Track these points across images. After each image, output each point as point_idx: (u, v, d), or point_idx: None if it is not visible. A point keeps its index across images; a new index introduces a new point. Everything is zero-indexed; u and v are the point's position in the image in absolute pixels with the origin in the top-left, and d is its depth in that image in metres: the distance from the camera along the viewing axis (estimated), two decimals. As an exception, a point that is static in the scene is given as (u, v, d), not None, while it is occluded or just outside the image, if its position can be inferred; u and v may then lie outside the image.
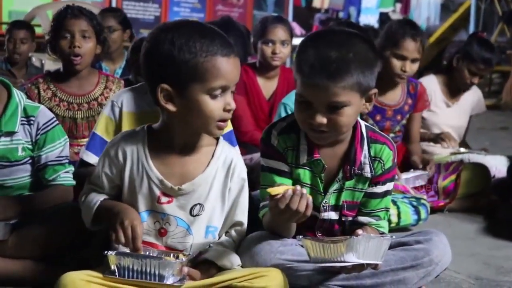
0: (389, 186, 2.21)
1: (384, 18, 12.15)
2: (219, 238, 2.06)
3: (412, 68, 3.39)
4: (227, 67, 1.90)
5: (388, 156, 2.17)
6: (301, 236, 1.93)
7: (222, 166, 2.03)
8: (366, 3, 12.75)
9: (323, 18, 11.97)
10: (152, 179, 1.98)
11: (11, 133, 2.31)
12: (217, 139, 2.06)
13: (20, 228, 2.19)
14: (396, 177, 3.18)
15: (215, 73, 1.89)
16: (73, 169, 2.45)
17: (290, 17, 10.59)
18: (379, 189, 2.19)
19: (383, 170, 2.17)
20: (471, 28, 9.83)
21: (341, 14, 12.64)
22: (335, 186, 2.16)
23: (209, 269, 1.97)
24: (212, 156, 2.03)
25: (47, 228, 2.18)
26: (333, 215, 2.20)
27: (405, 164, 3.58)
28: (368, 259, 1.87)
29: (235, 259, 2.02)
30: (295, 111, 2.11)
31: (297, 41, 2.99)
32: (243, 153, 2.63)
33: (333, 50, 2.00)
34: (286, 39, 3.67)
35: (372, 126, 2.24)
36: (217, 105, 1.91)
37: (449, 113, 3.94)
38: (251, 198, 2.12)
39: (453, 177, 3.52)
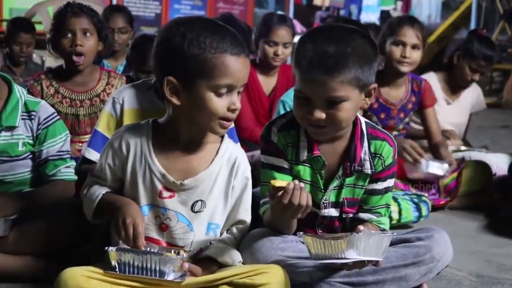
0: (389, 182, 2.20)
1: (385, 16, 12.16)
2: (221, 235, 2.06)
3: (412, 55, 3.36)
4: (235, 66, 1.90)
5: (389, 152, 2.17)
6: (301, 233, 1.93)
7: (226, 164, 2.03)
8: (367, 1, 12.77)
9: (324, 16, 11.98)
10: (155, 173, 1.98)
11: (11, 128, 2.31)
12: (222, 136, 2.06)
13: (21, 224, 2.19)
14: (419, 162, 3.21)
15: (223, 71, 1.88)
16: (74, 164, 2.44)
17: (291, 15, 10.59)
18: (380, 185, 2.18)
19: (384, 166, 2.16)
20: (472, 26, 9.80)
21: (342, 12, 12.65)
22: (335, 183, 2.16)
23: (210, 265, 1.97)
24: (217, 153, 2.02)
25: (47, 224, 2.18)
26: (333, 212, 2.19)
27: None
28: (369, 256, 1.87)
29: (236, 256, 2.01)
30: (294, 107, 2.11)
31: (297, 39, 2.99)
32: (244, 150, 2.63)
33: (331, 45, 1.99)
34: (288, 41, 3.68)
35: (372, 123, 2.24)
36: (222, 103, 1.91)
37: (449, 111, 3.94)
38: (252, 195, 2.11)
39: (454, 175, 3.51)
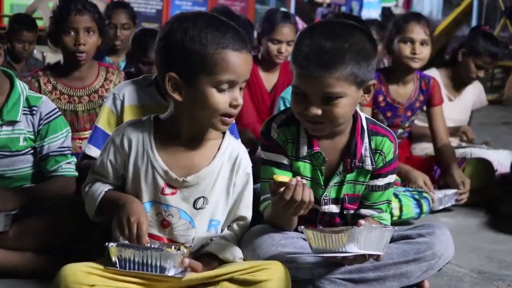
0: (390, 178, 2.20)
1: (386, 12, 12.14)
2: (222, 232, 2.06)
3: (422, 51, 3.33)
4: (237, 61, 1.89)
5: (389, 148, 2.16)
6: (302, 227, 1.93)
7: (227, 160, 2.02)
8: (369, -3, 12.76)
9: (325, 12, 11.96)
10: (157, 169, 1.97)
11: (13, 123, 2.30)
12: (224, 132, 2.05)
13: (21, 220, 2.19)
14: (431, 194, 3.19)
15: (224, 67, 1.88)
16: (75, 160, 2.44)
17: (292, 11, 10.58)
18: (381, 181, 2.18)
19: (384, 162, 2.16)
20: (474, 23, 9.79)
21: (343, 8, 12.64)
22: (336, 179, 2.15)
23: (211, 261, 1.96)
24: (218, 149, 2.01)
25: (48, 220, 2.17)
26: (333, 208, 2.19)
27: (431, 176, 3.49)
28: (369, 250, 1.86)
29: (237, 252, 2.01)
30: (291, 103, 2.11)
31: (298, 35, 2.99)
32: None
33: (328, 40, 1.99)
34: (292, 39, 3.66)
35: (372, 119, 2.23)
36: (223, 99, 1.90)
37: (451, 108, 3.92)
38: (254, 191, 2.10)
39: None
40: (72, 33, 2.92)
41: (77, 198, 2.13)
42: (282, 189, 1.89)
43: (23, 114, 2.32)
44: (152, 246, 1.90)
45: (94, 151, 2.43)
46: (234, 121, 2.69)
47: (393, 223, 2.76)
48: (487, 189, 3.50)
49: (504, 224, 3.12)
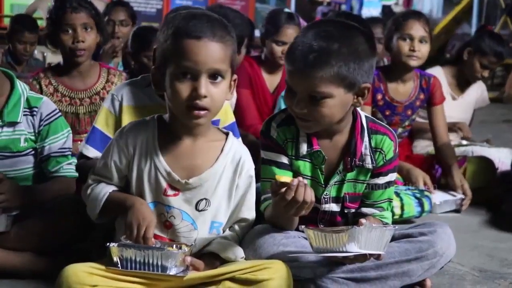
0: (391, 177, 2.20)
1: (386, 10, 12.13)
2: (223, 233, 2.05)
3: (421, 48, 3.33)
4: (194, 49, 1.85)
5: (389, 147, 2.16)
6: (303, 226, 1.93)
7: (230, 162, 2.01)
8: (369, -5, 12.74)
9: (325, 10, 11.96)
10: (160, 170, 1.97)
11: (13, 124, 2.30)
12: (227, 134, 2.04)
13: (22, 220, 2.18)
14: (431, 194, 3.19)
15: (181, 55, 1.86)
16: (75, 161, 2.43)
17: (292, 10, 10.58)
18: (381, 180, 2.18)
19: (385, 161, 2.16)
20: (474, 21, 9.80)
21: (343, 7, 12.63)
22: (336, 178, 2.15)
23: (213, 261, 1.96)
24: (221, 151, 2.01)
25: (48, 220, 2.17)
26: (334, 207, 2.19)
27: (432, 174, 3.50)
28: (370, 249, 1.86)
29: (239, 252, 2.01)
30: (284, 97, 2.11)
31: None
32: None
33: (319, 40, 1.98)
34: None
35: (372, 117, 2.23)
36: (183, 88, 1.86)
37: (454, 106, 3.92)
38: (256, 192, 2.10)
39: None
40: (70, 31, 2.92)
41: (78, 199, 2.12)
42: (284, 189, 1.89)
43: (24, 115, 2.32)
44: (154, 245, 1.89)
45: (91, 152, 2.42)
46: (234, 120, 2.70)
47: (395, 222, 2.77)
48: (488, 187, 3.50)
49: (505, 222, 3.12)
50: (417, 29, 3.34)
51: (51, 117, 2.36)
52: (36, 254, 2.18)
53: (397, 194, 3.04)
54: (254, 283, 1.86)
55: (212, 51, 1.86)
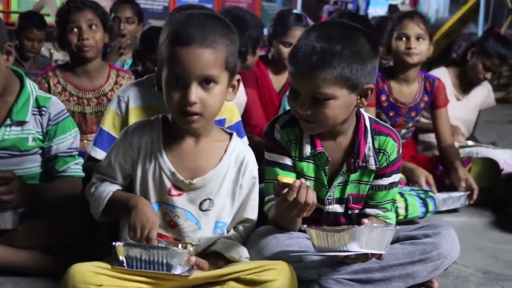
0: (395, 178, 2.20)
1: (393, 10, 12.10)
2: (227, 233, 2.06)
3: (419, 46, 3.34)
4: (182, 56, 1.85)
5: (393, 148, 2.16)
6: (305, 226, 1.93)
7: (234, 163, 2.02)
8: (375, -6, 12.72)
9: (331, 9, 11.93)
10: (164, 170, 1.98)
11: (22, 123, 2.31)
12: (231, 134, 2.05)
13: (29, 219, 2.20)
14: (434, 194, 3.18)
15: (171, 61, 1.87)
16: (82, 161, 2.45)
17: (298, 8, 10.56)
18: (385, 181, 2.18)
19: (388, 162, 2.16)
20: (481, 21, 9.77)
21: (350, 6, 12.61)
22: (340, 179, 2.16)
23: (217, 260, 1.97)
24: (225, 151, 2.02)
25: (55, 219, 2.18)
26: (338, 208, 2.20)
27: (436, 175, 3.49)
28: (371, 249, 1.87)
29: (243, 252, 2.02)
30: (288, 99, 2.11)
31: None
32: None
33: (321, 42, 1.99)
34: None
35: (376, 118, 2.23)
36: (175, 94, 1.87)
37: (459, 107, 3.92)
38: (259, 192, 2.11)
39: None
40: (75, 29, 2.96)
41: (84, 198, 2.13)
42: (286, 190, 1.89)
43: (32, 114, 2.33)
44: (159, 244, 1.91)
45: (99, 154, 2.43)
46: (240, 119, 2.70)
47: (399, 222, 2.78)
48: (493, 188, 3.49)
49: (510, 224, 3.11)
50: (412, 28, 3.36)
51: (59, 117, 2.37)
52: (42, 252, 2.19)
53: (402, 195, 3.04)
54: (258, 283, 1.86)
55: (201, 58, 1.85)
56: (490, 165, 3.56)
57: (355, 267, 2.01)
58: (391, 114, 3.47)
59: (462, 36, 10.08)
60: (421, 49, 3.35)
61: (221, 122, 2.55)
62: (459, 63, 3.98)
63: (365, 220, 1.91)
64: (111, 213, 2.02)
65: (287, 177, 1.95)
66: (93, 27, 2.98)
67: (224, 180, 2.01)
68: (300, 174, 2.13)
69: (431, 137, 3.79)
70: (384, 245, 1.89)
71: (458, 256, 2.16)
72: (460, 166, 3.40)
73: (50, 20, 5.90)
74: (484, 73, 3.86)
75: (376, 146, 2.15)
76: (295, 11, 3.80)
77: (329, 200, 2.18)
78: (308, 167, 2.15)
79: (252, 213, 2.08)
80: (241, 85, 3.46)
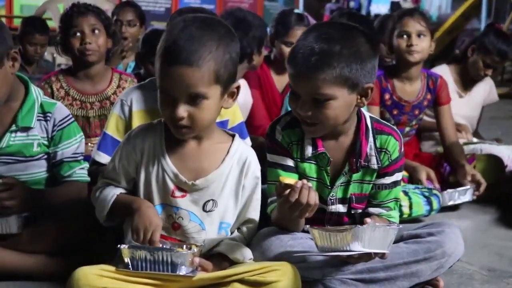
0: (397, 176, 2.20)
1: (395, 7, 12.09)
2: (231, 234, 2.07)
3: (420, 43, 3.35)
4: (169, 75, 1.85)
5: (394, 146, 2.16)
6: (308, 226, 1.94)
7: (236, 163, 2.03)
8: (377, -8, 12.71)
9: (334, 8, 11.93)
10: (167, 172, 1.99)
11: (27, 129, 2.32)
12: (233, 136, 2.06)
13: (34, 223, 2.21)
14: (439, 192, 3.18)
15: (159, 75, 1.88)
16: (88, 166, 2.46)
17: (301, 7, 10.55)
18: (388, 180, 2.19)
19: (390, 161, 2.17)
20: (483, 17, 9.75)
21: (352, 4, 12.60)
22: (342, 179, 2.16)
23: (221, 262, 1.98)
24: (227, 152, 2.02)
25: (60, 223, 2.19)
26: (340, 208, 2.20)
27: (440, 173, 3.50)
28: (374, 248, 1.87)
29: (247, 253, 2.03)
30: (289, 101, 2.11)
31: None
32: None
33: (320, 42, 1.99)
34: None
35: (377, 117, 2.24)
36: (164, 107, 1.90)
37: (461, 104, 3.92)
38: (262, 193, 2.12)
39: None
40: (78, 34, 2.98)
41: (90, 202, 2.14)
42: (288, 191, 1.90)
43: (37, 120, 2.34)
44: (164, 246, 1.92)
45: (103, 158, 2.45)
46: (242, 119, 2.71)
47: (403, 221, 2.78)
48: (497, 185, 3.49)
49: (514, 221, 3.12)
50: (413, 25, 3.37)
51: (64, 123, 2.38)
52: (48, 256, 2.20)
53: (406, 193, 3.05)
54: (262, 285, 1.87)
55: (186, 78, 1.84)
56: (494, 161, 3.56)
57: (359, 266, 2.01)
58: (395, 112, 3.47)
59: (465, 32, 10.06)
60: (423, 46, 3.36)
61: (223, 124, 2.56)
62: (460, 60, 3.97)
63: (368, 220, 1.92)
64: (115, 217, 2.03)
65: (289, 178, 1.96)
66: (96, 31, 3.00)
67: (227, 181, 2.02)
68: (302, 175, 2.14)
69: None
70: (387, 244, 1.89)
71: (463, 254, 2.16)
72: (466, 163, 3.39)
73: (53, 24, 5.92)
74: (484, 70, 3.85)
75: (378, 145, 2.16)
76: (296, 10, 3.80)
77: (332, 200, 2.18)
78: (310, 168, 2.16)
79: (255, 213, 2.09)
80: (247, 87, 3.51)
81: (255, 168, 2.05)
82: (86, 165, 2.45)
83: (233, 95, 1.97)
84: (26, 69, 5.03)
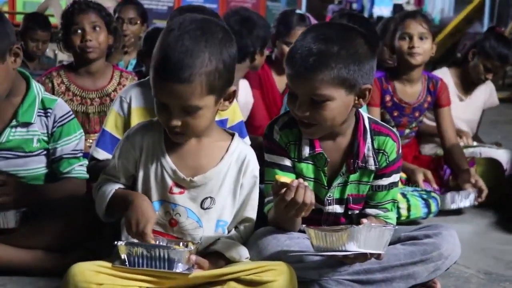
0: (395, 178, 2.21)
1: (398, 9, 12.10)
2: (228, 233, 2.08)
3: (422, 45, 3.35)
4: (162, 88, 1.86)
5: (392, 147, 2.17)
6: (304, 225, 1.94)
7: (235, 162, 2.04)
8: (380, -6, 12.71)
9: (336, 9, 11.94)
10: (166, 168, 2.00)
11: (27, 124, 2.33)
12: (232, 135, 2.07)
13: (32, 218, 2.21)
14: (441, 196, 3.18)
15: (153, 85, 1.89)
16: (87, 162, 2.46)
17: (303, 8, 10.57)
18: (385, 181, 2.19)
19: (388, 162, 2.17)
20: (486, 20, 9.76)
21: (354, 6, 12.60)
22: (339, 179, 2.16)
23: (218, 260, 1.99)
24: (226, 151, 2.03)
25: (58, 219, 2.20)
26: (338, 209, 2.20)
27: (440, 175, 3.51)
28: (369, 249, 1.87)
29: (244, 252, 2.03)
30: (287, 101, 2.12)
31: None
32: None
33: (318, 43, 1.99)
34: None
35: (375, 119, 2.24)
36: (160, 113, 1.91)
37: (462, 107, 3.92)
38: (260, 192, 2.12)
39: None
40: (79, 31, 2.99)
41: (88, 198, 2.15)
42: (284, 190, 1.90)
43: (38, 115, 2.34)
44: (160, 243, 1.92)
45: (101, 154, 2.45)
46: (242, 119, 2.71)
47: (401, 223, 2.78)
48: (496, 189, 3.49)
49: (512, 225, 3.12)
50: (415, 27, 3.37)
51: (64, 119, 2.38)
52: (46, 252, 2.21)
53: (404, 195, 3.05)
54: (258, 284, 1.87)
55: (178, 93, 1.84)
56: (494, 165, 3.56)
57: (356, 267, 2.02)
58: (395, 114, 3.47)
59: (467, 36, 10.05)
60: (424, 48, 3.36)
61: (223, 122, 2.57)
62: (461, 63, 3.97)
63: (364, 220, 1.92)
64: (114, 212, 2.04)
65: (285, 177, 1.96)
66: (97, 28, 3.00)
67: (225, 179, 2.02)
68: (299, 175, 2.14)
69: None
70: (383, 245, 1.89)
71: (460, 257, 2.16)
72: (469, 168, 3.39)
73: (55, 21, 5.92)
74: (485, 74, 3.85)
75: (376, 146, 2.16)
76: (298, 11, 3.81)
77: (329, 201, 2.18)
78: (308, 168, 2.16)
79: (252, 212, 2.09)
80: (248, 87, 3.52)
81: (253, 167, 2.06)
82: (86, 162, 2.45)
83: (230, 97, 1.97)
84: (27, 65, 5.02)
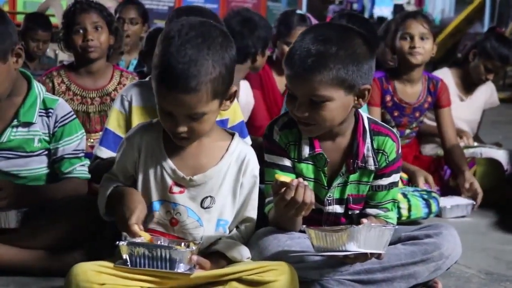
0: (395, 177, 2.21)
1: (398, 9, 12.10)
2: (230, 232, 2.08)
3: (424, 45, 3.36)
4: (167, 98, 1.86)
5: (392, 147, 2.17)
6: (304, 226, 1.94)
7: (235, 161, 2.04)
8: (381, -6, 12.71)
9: (337, 9, 11.94)
10: (165, 168, 2.00)
11: (28, 124, 2.33)
12: (233, 134, 2.07)
13: (33, 219, 2.22)
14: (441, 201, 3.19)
15: (157, 94, 1.89)
16: (88, 162, 2.47)
17: (304, 9, 10.57)
18: (385, 181, 2.19)
19: (387, 162, 2.17)
20: (486, 20, 9.76)
21: (355, 6, 12.61)
22: (339, 180, 2.16)
23: (219, 260, 1.99)
24: (226, 150, 2.04)
25: (60, 219, 2.20)
26: (338, 209, 2.20)
27: (440, 176, 3.53)
28: (369, 249, 1.87)
29: (245, 252, 2.03)
30: (285, 102, 2.12)
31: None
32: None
33: (317, 44, 1.99)
34: None
35: (375, 119, 2.24)
36: (164, 120, 1.92)
37: (462, 107, 3.92)
38: (260, 192, 2.13)
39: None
40: (80, 31, 3.00)
41: (89, 199, 2.15)
42: (283, 189, 1.90)
43: (39, 116, 2.34)
44: (162, 243, 1.92)
45: (105, 153, 2.46)
46: (243, 119, 2.71)
47: (402, 223, 2.78)
48: (497, 189, 3.50)
49: (513, 225, 3.12)
50: (416, 27, 3.38)
51: (66, 119, 2.39)
52: (48, 252, 2.21)
53: (405, 196, 3.05)
54: (260, 284, 1.87)
55: (186, 102, 1.85)
56: (494, 165, 3.56)
57: (357, 267, 2.02)
58: (396, 114, 3.48)
59: (468, 36, 10.06)
60: (425, 48, 3.37)
61: (223, 122, 2.57)
62: (462, 63, 3.98)
63: (364, 220, 1.92)
64: (113, 210, 2.04)
65: (284, 176, 1.96)
66: (98, 28, 3.01)
67: (225, 178, 2.03)
68: (299, 176, 2.13)
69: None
70: (383, 245, 1.89)
71: (461, 257, 2.16)
72: (466, 169, 3.40)
73: (55, 21, 5.93)
74: (486, 75, 3.86)
75: (375, 146, 2.16)
76: (298, 11, 3.81)
77: (329, 201, 2.19)
78: (307, 168, 2.16)
79: (253, 212, 2.09)
80: (249, 88, 3.52)
81: (253, 166, 2.06)
82: (87, 162, 2.45)
83: (231, 97, 1.99)
84: (28, 65, 5.03)
